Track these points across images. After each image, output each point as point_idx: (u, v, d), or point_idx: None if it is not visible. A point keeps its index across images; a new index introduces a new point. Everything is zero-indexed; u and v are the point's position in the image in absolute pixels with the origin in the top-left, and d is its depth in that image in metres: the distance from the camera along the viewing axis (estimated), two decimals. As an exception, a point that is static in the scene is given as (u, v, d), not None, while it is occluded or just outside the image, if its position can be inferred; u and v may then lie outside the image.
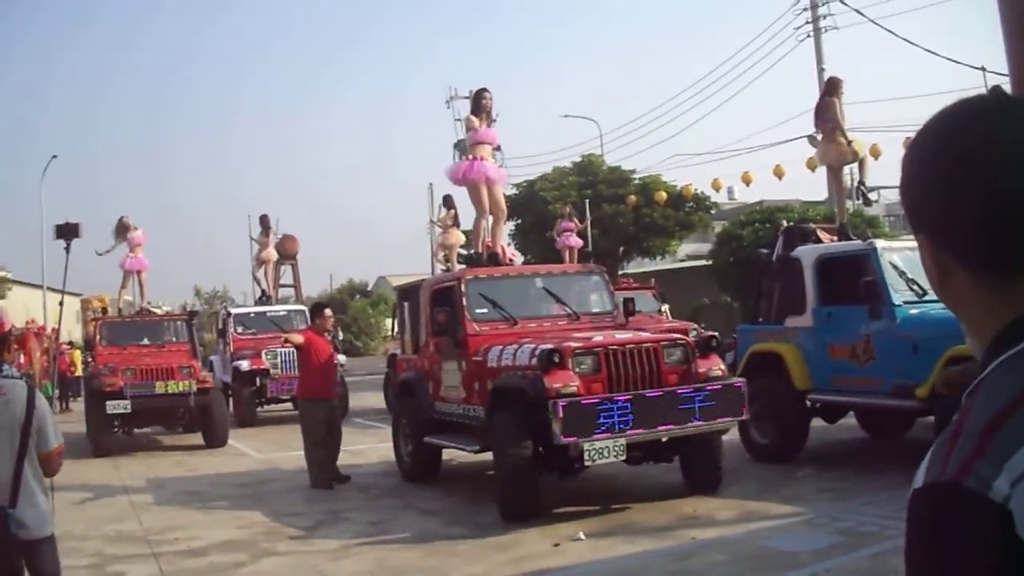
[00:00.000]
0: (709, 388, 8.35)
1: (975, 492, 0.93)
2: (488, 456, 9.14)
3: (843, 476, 9.50)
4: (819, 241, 11.13)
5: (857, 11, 23.50)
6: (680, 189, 29.79)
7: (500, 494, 8.49)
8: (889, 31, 37.19)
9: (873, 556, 6.50)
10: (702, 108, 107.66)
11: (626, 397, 8.01)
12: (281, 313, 20.55)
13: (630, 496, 9.19)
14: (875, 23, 23.09)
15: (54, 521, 4.52)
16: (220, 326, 21.51)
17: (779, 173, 24.08)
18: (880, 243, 10.08)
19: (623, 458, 8.17)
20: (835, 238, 11.30)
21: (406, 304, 12.76)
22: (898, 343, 9.23)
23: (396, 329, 17.69)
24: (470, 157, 11.10)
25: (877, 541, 6.80)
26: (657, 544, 7.36)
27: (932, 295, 6.98)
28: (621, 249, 31.49)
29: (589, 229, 24.23)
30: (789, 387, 10.31)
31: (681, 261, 38.69)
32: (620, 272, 29.55)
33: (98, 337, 16.96)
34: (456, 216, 19.26)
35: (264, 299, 22.24)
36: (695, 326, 18.22)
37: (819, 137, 12.11)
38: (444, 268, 18.64)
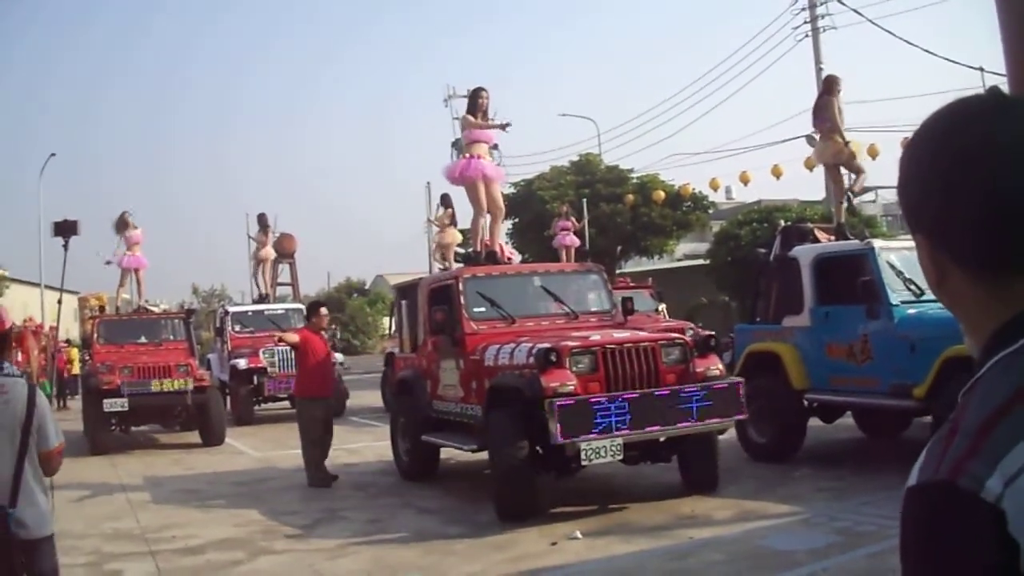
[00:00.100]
0: (707, 388, 8.35)
1: (968, 491, 0.94)
2: (486, 455, 9.14)
3: (840, 476, 9.51)
4: (817, 241, 11.14)
5: (855, 11, 23.50)
6: (678, 188, 29.82)
7: (496, 494, 8.48)
8: (887, 31, 37.22)
9: (870, 555, 6.51)
10: (700, 108, 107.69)
11: (623, 396, 8.01)
12: (279, 312, 20.56)
13: (627, 495, 9.19)
14: (873, 23, 23.09)
15: (53, 520, 4.51)
16: (218, 324, 21.52)
17: (777, 173, 24.07)
18: (878, 243, 10.08)
19: (620, 458, 8.15)
20: (833, 238, 11.31)
21: (404, 303, 12.75)
22: (895, 343, 9.23)
23: (393, 328, 17.70)
24: (467, 156, 11.09)
25: (874, 540, 6.81)
26: (654, 543, 7.36)
27: (930, 295, 6.98)
28: (619, 248, 31.52)
29: (587, 228, 24.24)
30: (786, 387, 10.31)
31: (679, 260, 38.72)
32: (618, 271, 29.58)
33: (95, 335, 16.95)
34: (453, 215, 19.26)
35: (262, 298, 22.25)
36: (691, 325, 18.22)
37: (817, 137, 12.12)
38: (441, 267, 18.64)
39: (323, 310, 12.03)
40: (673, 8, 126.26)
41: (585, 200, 26.81)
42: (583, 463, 8.04)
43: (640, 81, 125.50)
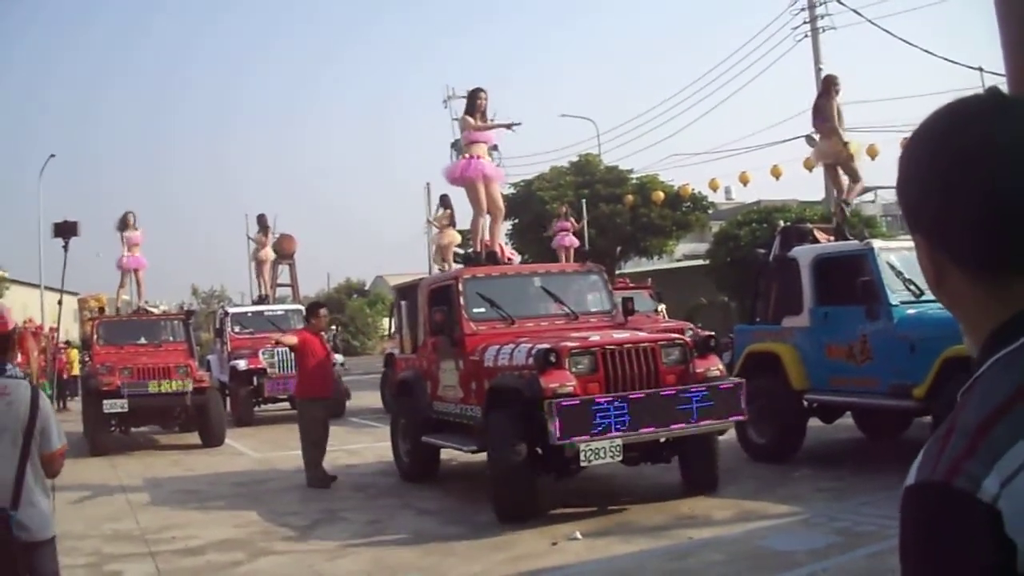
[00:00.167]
0: (707, 388, 8.33)
1: (964, 492, 0.94)
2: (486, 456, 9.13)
3: (840, 476, 9.51)
4: (816, 241, 11.13)
5: (855, 11, 23.52)
6: (677, 189, 29.83)
7: (494, 495, 8.45)
8: (887, 31, 37.14)
9: (870, 556, 6.50)
10: (700, 108, 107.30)
11: (623, 397, 8.00)
12: (278, 313, 20.55)
13: (627, 496, 9.19)
14: (873, 23, 23.10)
15: (55, 522, 4.50)
16: (217, 325, 21.50)
17: (776, 173, 24.07)
18: (877, 243, 10.08)
19: (619, 459, 8.12)
20: (832, 238, 11.31)
21: (404, 303, 12.75)
22: (895, 343, 9.23)
23: (393, 328, 17.70)
24: (467, 156, 11.08)
25: (874, 541, 6.80)
26: (654, 544, 7.36)
27: (929, 295, 6.98)
28: (618, 249, 31.55)
29: (586, 229, 24.24)
30: (786, 387, 10.31)
31: (678, 261, 38.74)
32: (617, 272, 29.59)
33: (95, 336, 16.94)
34: (452, 215, 19.25)
35: (262, 299, 22.24)
36: (691, 326, 18.23)
37: (817, 137, 12.11)
38: (440, 267, 18.65)
39: (323, 311, 12.03)
40: (673, 8, 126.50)
41: (584, 201, 26.83)
42: (582, 464, 8.00)
43: (640, 81, 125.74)
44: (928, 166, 1.08)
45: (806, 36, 24.65)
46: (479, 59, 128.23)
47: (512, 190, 30.25)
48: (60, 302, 12.51)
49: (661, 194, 28.80)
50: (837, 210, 12.09)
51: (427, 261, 26.29)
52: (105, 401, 14.83)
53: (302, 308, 18.36)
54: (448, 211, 19.38)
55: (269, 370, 18.24)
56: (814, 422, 10.82)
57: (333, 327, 36.26)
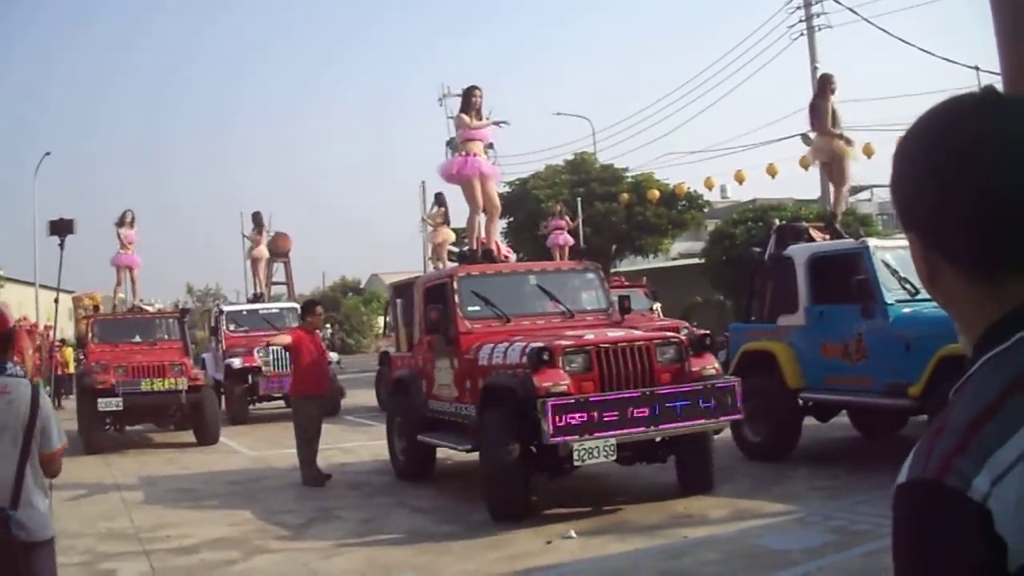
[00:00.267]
0: (703, 387, 8.32)
1: (955, 490, 0.93)
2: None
3: (835, 474, 9.51)
4: (812, 240, 11.13)
5: (851, 9, 23.50)
6: (673, 187, 29.83)
7: (487, 494, 8.43)
8: (883, 30, 36.95)
9: (865, 554, 6.51)
10: (695, 106, 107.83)
11: (617, 396, 7.99)
12: (274, 311, 20.55)
13: (622, 495, 9.19)
14: (869, 22, 23.11)
15: (53, 522, 4.48)
16: (212, 324, 21.50)
17: (772, 171, 24.06)
18: (872, 242, 10.08)
19: (613, 458, 8.10)
20: (828, 237, 11.31)
21: (400, 302, 12.75)
22: (890, 342, 9.24)
23: (389, 327, 17.70)
24: (463, 154, 11.07)
25: (869, 539, 6.80)
26: (648, 543, 7.35)
27: (925, 294, 6.97)
28: (614, 247, 31.56)
29: (581, 227, 24.24)
30: (782, 386, 10.31)
31: (674, 259, 38.73)
32: (612, 270, 29.60)
33: (90, 335, 16.93)
34: (446, 214, 19.24)
35: (257, 297, 22.23)
36: (686, 324, 18.23)
37: (812, 135, 12.11)
38: (435, 266, 18.64)
39: (318, 309, 12.00)
40: (673, 8, 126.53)
41: (580, 199, 26.85)
42: (576, 463, 7.99)
43: (639, 81, 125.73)
44: (922, 164, 1.07)
45: (802, 34, 24.66)
46: (479, 59, 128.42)
47: (508, 189, 30.25)
48: (56, 300, 12.46)
49: (657, 192, 28.81)
50: (837, 215, 12.04)
51: (423, 260, 26.28)
52: (100, 399, 14.82)
53: (297, 306, 18.36)
54: (442, 209, 19.37)
55: (264, 368, 18.23)
56: (810, 421, 10.83)
57: (328, 325, 36.26)
